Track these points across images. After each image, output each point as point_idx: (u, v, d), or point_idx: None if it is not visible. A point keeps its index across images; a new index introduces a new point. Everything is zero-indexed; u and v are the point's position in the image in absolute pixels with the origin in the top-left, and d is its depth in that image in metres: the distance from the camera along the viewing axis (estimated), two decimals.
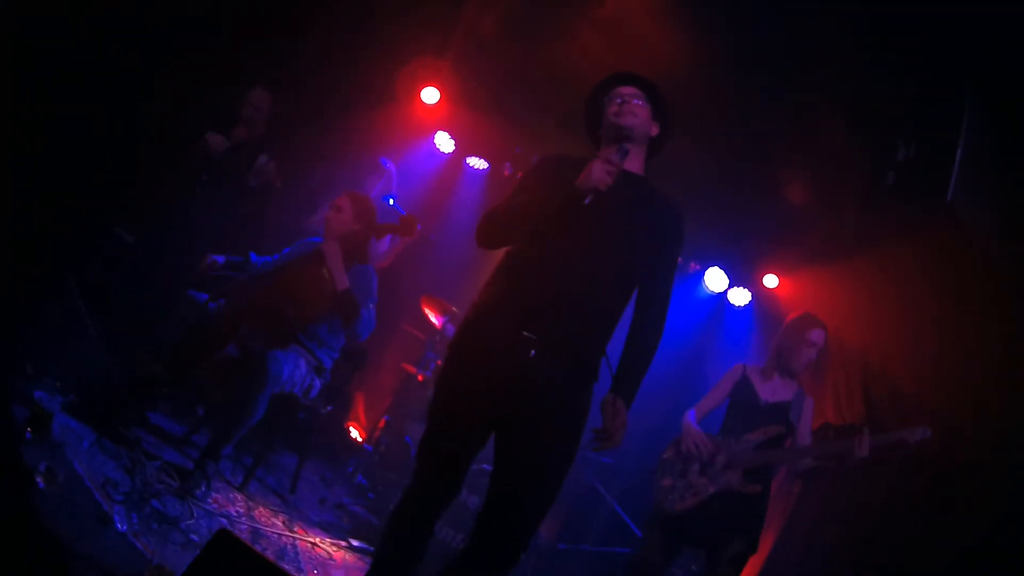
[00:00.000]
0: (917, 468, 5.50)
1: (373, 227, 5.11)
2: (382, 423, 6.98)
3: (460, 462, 3.19)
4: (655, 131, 3.39)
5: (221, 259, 5.22)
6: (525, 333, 3.05)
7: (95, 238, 5.54)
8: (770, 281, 7.59)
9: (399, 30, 6.78)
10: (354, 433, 7.81)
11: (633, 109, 3.29)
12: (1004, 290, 5.26)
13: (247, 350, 4.84)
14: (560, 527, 6.54)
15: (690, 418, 4.99)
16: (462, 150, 8.25)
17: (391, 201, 6.57)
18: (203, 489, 4.41)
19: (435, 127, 8.08)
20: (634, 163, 3.33)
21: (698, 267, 7.94)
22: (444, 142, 8.17)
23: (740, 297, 7.81)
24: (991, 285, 5.37)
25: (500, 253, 3.34)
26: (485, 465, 5.22)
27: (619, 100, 3.31)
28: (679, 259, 3.48)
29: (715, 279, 7.83)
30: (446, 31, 6.99)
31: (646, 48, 6.06)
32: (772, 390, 4.94)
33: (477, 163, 8.28)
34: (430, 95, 7.58)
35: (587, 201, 3.06)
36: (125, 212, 5.75)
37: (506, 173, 8.10)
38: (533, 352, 3.04)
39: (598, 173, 3.04)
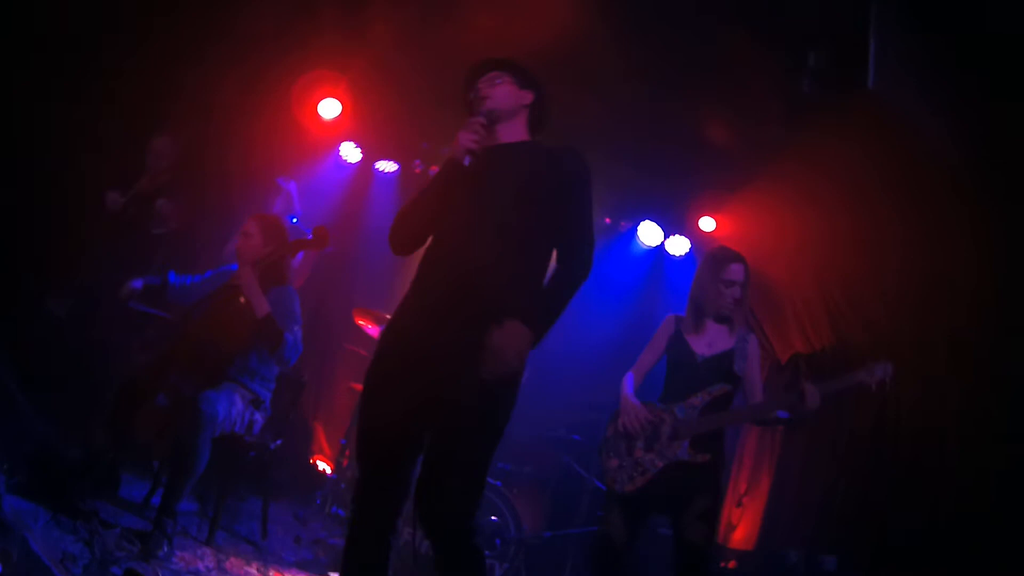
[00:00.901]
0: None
1: (285, 247, 4.97)
2: (344, 449, 6.76)
3: (396, 460, 3.14)
4: (528, 98, 3.40)
5: (139, 283, 5.17)
6: (432, 331, 3.07)
7: (24, 313, 5.59)
8: (706, 224, 7.45)
9: (287, 48, 6.62)
10: (322, 466, 7.62)
11: (485, 93, 3.31)
12: (949, 172, 5.08)
13: (178, 397, 4.66)
14: (544, 515, 6.38)
15: (627, 387, 4.55)
16: (369, 156, 8.10)
17: (294, 220, 6.40)
18: (165, 549, 4.24)
19: (339, 139, 7.93)
20: (515, 132, 3.37)
21: (629, 225, 7.81)
22: (350, 152, 8.01)
23: (678, 246, 7.66)
24: (937, 172, 5.19)
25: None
26: None
27: (472, 93, 3.36)
28: (591, 203, 3.34)
29: (649, 233, 7.69)
30: (336, 41, 6.74)
31: (539, 15, 5.90)
32: (708, 342, 4.48)
33: (387, 166, 8.13)
34: (329, 108, 7.41)
35: (466, 163, 3.11)
36: (52, 284, 5.80)
37: (416, 171, 8.00)
38: (442, 343, 3.05)
39: (463, 136, 3.12)
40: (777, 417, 4.35)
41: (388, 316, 6.47)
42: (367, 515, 3.14)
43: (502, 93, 3.33)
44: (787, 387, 4.63)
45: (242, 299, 4.77)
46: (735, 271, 4.47)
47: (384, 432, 3.10)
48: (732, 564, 6.65)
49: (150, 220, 5.99)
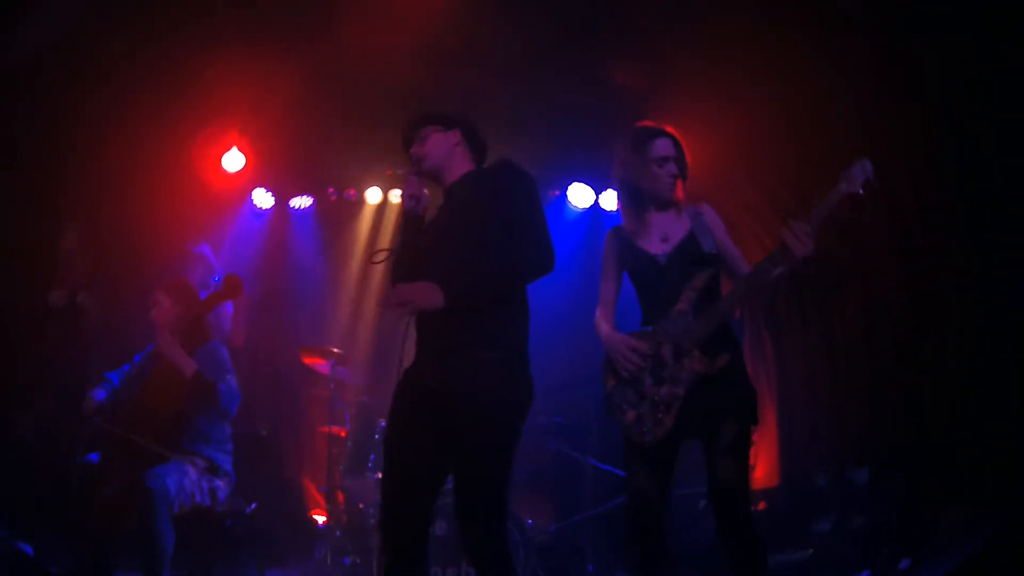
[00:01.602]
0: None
1: (199, 304, 4.97)
2: (340, 496, 6.51)
3: (417, 492, 3.29)
4: (456, 137, 3.57)
5: (101, 395, 5.03)
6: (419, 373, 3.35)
7: None
8: None
9: (174, 114, 6.44)
10: (320, 519, 7.34)
11: (419, 153, 3.53)
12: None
13: (125, 483, 4.46)
14: (548, 509, 6.25)
15: (604, 326, 3.91)
16: (282, 197, 7.92)
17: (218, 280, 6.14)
18: None
19: (246, 190, 7.76)
20: (460, 167, 3.56)
21: (558, 192, 7.69)
22: (262, 198, 7.83)
23: (613, 200, 7.44)
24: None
25: None
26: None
27: (411, 155, 3.57)
28: (533, 205, 3.40)
29: (579, 195, 7.59)
30: (224, 96, 6.55)
31: (412, 14, 5.77)
32: (661, 236, 3.80)
33: (302, 202, 7.97)
34: (233, 160, 7.24)
35: (413, 207, 3.51)
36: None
37: (332, 199, 7.89)
38: (429, 382, 3.29)
39: (402, 192, 3.50)
40: (775, 279, 3.58)
41: (335, 349, 6.42)
42: (396, 536, 3.26)
43: (432, 145, 3.53)
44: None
45: (169, 366, 4.69)
46: (663, 146, 3.80)
47: (405, 471, 3.28)
48: (761, 506, 6.37)
49: (78, 313, 5.94)
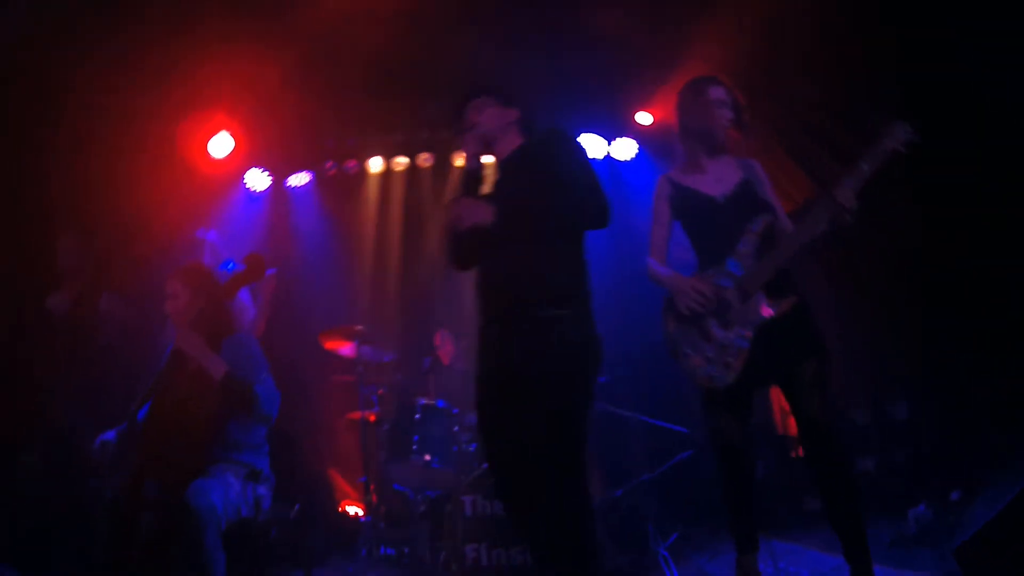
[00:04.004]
0: None
1: (219, 290, 4.29)
2: (368, 486, 6.16)
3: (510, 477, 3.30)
4: (514, 115, 3.59)
5: (112, 435, 4.38)
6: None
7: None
8: (643, 118, 7.31)
9: (160, 101, 6.24)
10: (352, 510, 7.08)
11: (474, 120, 3.55)
12: None
13: (163, 506, 3.92)
14: (603, 476, 5.99)
15: (660, 269, 3.91)
16: (278, 176, 7.62)
17: (231, 266, 5.77)
18: None
19: (240, 171, 7.44)
20: (508, 146, 3.57)
21: None
22: (257, 179, 7.50)
23: (625, 149, 7.48)
24: None
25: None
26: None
27: (464, 121, 3.58)
28: (578, 160, 3.38)
29: (592, 145, 7.42)
30: (207, 79, 6.29)
31: None
32: (716, 179, 3.87)
33: (299, 179, 7.65)
34: (221, 144, 6.98)
35: (474, 166, 3.56)
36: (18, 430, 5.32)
37: (331, 173, 7.62)
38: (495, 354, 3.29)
39: (467, 223, 3.30)
40: (823, 232, 3.57)
41: (358, 327, 6.06)
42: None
43: (488, 117, 3.57)
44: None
45: (195, 366, 4.10)
46: (718, 91, 3.88)
47: (495, 457, 3.31)
48: (801, 450, 6.20)
49: (95, 326, 5.47)
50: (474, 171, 3.57)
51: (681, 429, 5.90)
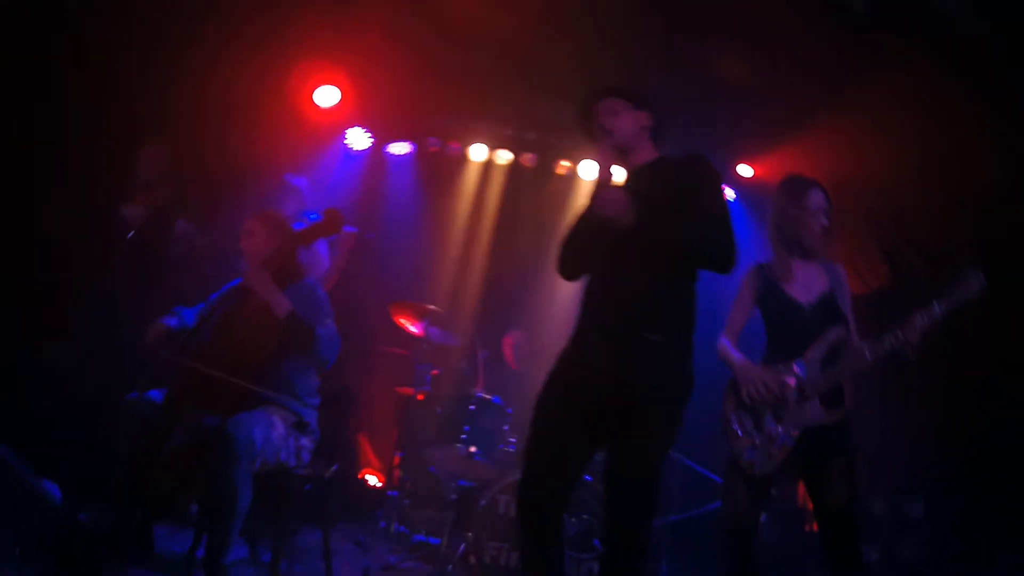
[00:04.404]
0: None
1: (295, 237, 4.42)
2: (397, 460, 6.26)
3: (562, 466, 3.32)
4: (645, 119, 3.52)
5: (173, 321, 4.60)
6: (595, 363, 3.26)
7: (18, 361, 5.28)
8: (744, 171, 7.35)
9: (278, 40, 6.20)
10: (372, 480, 7.14)
11: (609, 126, 3.45)
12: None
13: (201, 429, 3.96)
14: None
15: (734, 352, 4.06)
16: (380, 140, 7.58)
17: (312, 216, 5.78)
18: None
19: (342, 128, 7.42)
20: (644, 154, 3.52)
21: None
22: (358, 139, 7.47)
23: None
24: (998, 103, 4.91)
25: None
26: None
27: (593, 121, 3.52)
28: (724, 202, 3.39)
29: None
30: (328, 28, 6.32)
31: None
32: (804, 285, 3.99)
33: (400, 148, 7.61)
34: (327, 96, 6.95)
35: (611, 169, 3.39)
36: (50, 324, 5.40)
37: (432, 149, 7.56)
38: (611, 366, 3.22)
39: (608, 211, 3.21)
40: (885, 356, 3.75)
41: (431, 307, 6.08)
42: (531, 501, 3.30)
43: (623, 120, 3.48)
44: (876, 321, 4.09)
45: (260, 303, 4.18)
46: (818, 198, 4.00)
47: (553, 446, 3.28)
48: (815, 526, 6.18)
49: (167, 241, 5.54)
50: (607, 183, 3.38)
51: (718, 479, 5.87)
